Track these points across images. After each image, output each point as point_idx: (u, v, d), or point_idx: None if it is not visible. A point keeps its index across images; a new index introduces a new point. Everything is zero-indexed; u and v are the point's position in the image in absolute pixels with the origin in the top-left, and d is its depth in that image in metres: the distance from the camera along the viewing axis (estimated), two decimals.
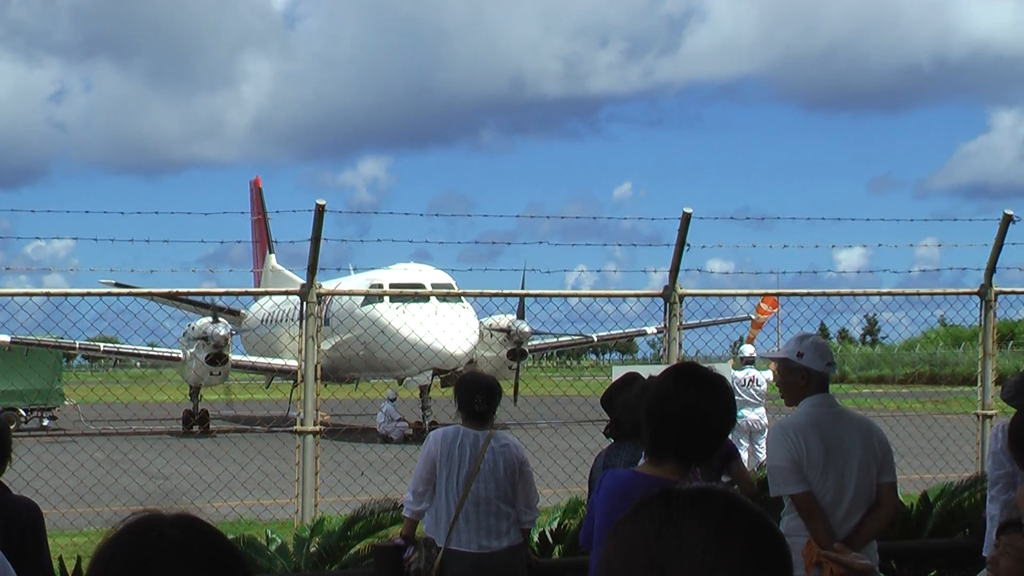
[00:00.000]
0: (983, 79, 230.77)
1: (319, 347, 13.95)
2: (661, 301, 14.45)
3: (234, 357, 39.01)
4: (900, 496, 12.10)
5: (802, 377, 7.37)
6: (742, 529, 2.01)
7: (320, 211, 13.27)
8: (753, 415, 22.70)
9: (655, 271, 14.69)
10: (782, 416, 9.79)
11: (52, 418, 41.80)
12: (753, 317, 29.48)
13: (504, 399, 9.48)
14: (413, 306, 34.46)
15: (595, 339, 42.74)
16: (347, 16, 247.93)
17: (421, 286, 34.55)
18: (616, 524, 2.08)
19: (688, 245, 14.08)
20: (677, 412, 4.93)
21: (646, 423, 5.06)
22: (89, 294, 14.32)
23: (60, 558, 9.81)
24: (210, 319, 37.59)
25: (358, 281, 35.65)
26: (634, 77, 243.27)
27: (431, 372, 35.16)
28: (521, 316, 36.64)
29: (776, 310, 28.05)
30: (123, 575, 2.25)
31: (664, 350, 14.54)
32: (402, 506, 9.28)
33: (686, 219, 14.01)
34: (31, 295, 14.30)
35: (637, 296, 15.30)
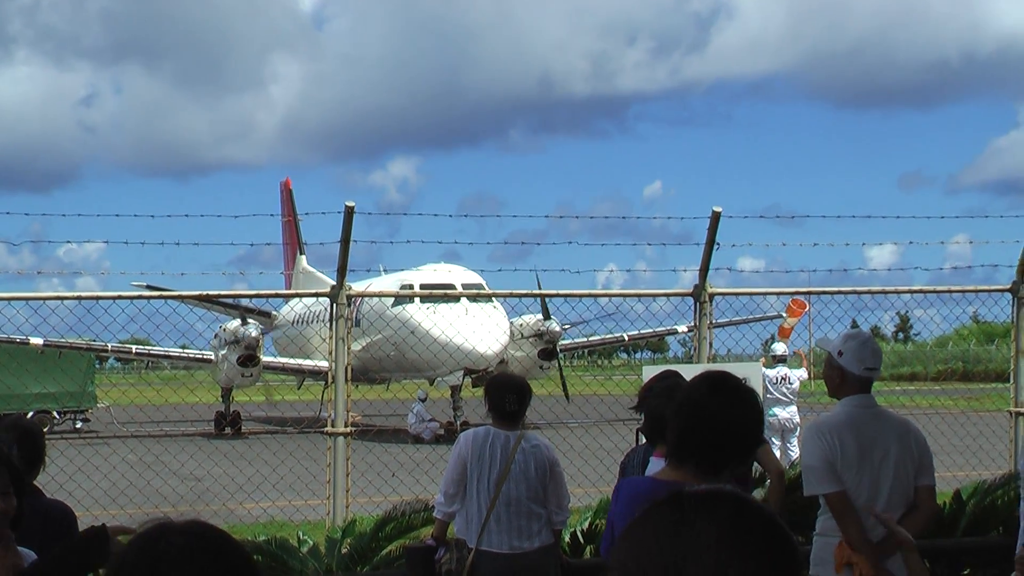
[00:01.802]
0: (1013, 74, 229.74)
1: (349, 348, 13.98)
2: (691, 300, 14.43)
3: (265, 358, 39.12)
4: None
5: (837, 375, 7.33)
6: (753, 528, 2.06)
7: (349, 213, 13.29)
8: (785, 413, 22.65)
9: (685, 270, 14.67)
10: (814, 415, 9.75)
11: (85, 420, 41.98)
12: (783, 316, 29.38)
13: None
14: (443, 306, 34.51)
15: (626, 338, 42.72)
16: (375, 16, 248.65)
17: (451, 286, 34.60)
18: (628, 527, 2.12)
19: (718, 244, 14.06)
20: (705, 420, 4.91)
21: (672, 427, 5.05)
22: (120, 297, 14.37)
23: None
24: (239, 321, 37.69)
25: (388, 282, 35.73)
26: (662, 75, 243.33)
27: (462, 372, 35.19)
28: (547, 316, 36.69)
29: (806, 310, 27.91)
30: None
31: (695, 349, 14.52)
32: (433, 507, 9.29)
33: (715, 218, 13.99)
34: (63, 298, 14.36)
35: (667, 295, 15.27)
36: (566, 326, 37.63)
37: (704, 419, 4.91)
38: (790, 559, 2.06)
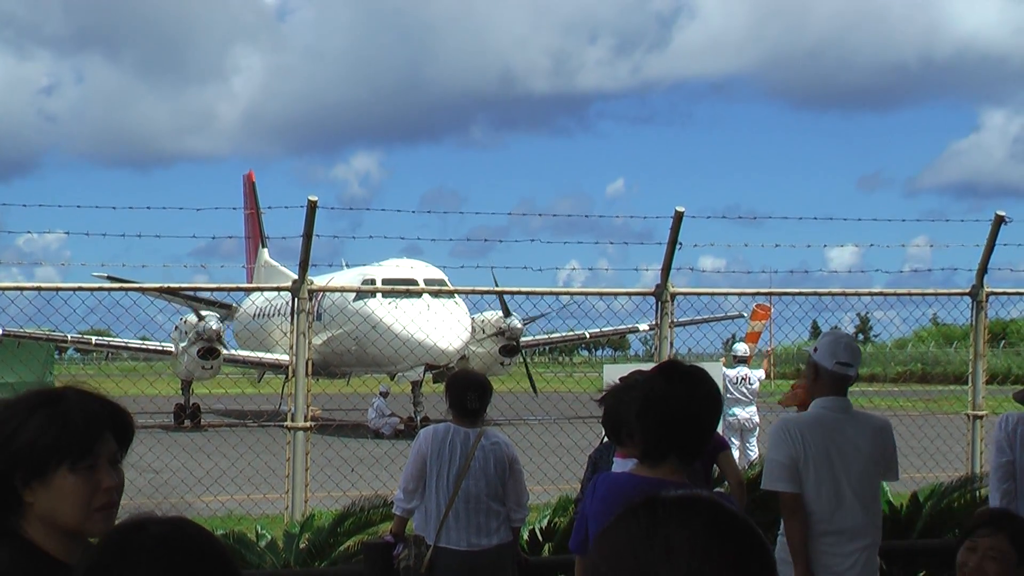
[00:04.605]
0: (969, 78, 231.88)
1: (310, 342, 13.94)
2: (653, 299, 14.45)
3: (226, 351, 38.96)
4: (890, 496, 12.14)
5: (812, 371, 7.36)
6: (727, 534, 2.03)
7: (312, 207, 13.25)
8: (744, 413, 22.71)
9: (647, 269, 14.69)
10: (773, 415, 9.80)
11: None
12: (744, 316, 29.46)
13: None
14: (405, 302, 34.43)
15: (587, 336, 42.78)
16: (337, 10, 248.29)
17: (414, 282, 34.54)
18: (602, 531, 2.09)
19: (680, 244, 14.09)
20: (672, 412, 4.88)
21: (640, 426, 4.99)
22: (81, 288, 14.28)
23: None
24: (208, 314, 37.54)
25: (350, 276, 35.66)
26: (623, 74, 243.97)
27: (423, 368, 35.15)
28: (507, 314, 36.74)
29: (769, 316, 28.01)
30: (98, 567, 2.28)
31: (656, 348, 14.54)
32: (392, 503, 9.28)
33: (678, 218, 14.01)
34: (22, 289, 14.26)
35: (629, 294, 15.30)
36: (527, 320, 37.61)
37: (670, 411, 4.87)
38: (764, 567, 2.04)
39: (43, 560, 3.20)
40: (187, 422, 38.33)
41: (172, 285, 15.33)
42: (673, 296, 14.36)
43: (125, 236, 14.37)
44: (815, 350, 7.34)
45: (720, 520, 2.04)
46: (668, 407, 4.88)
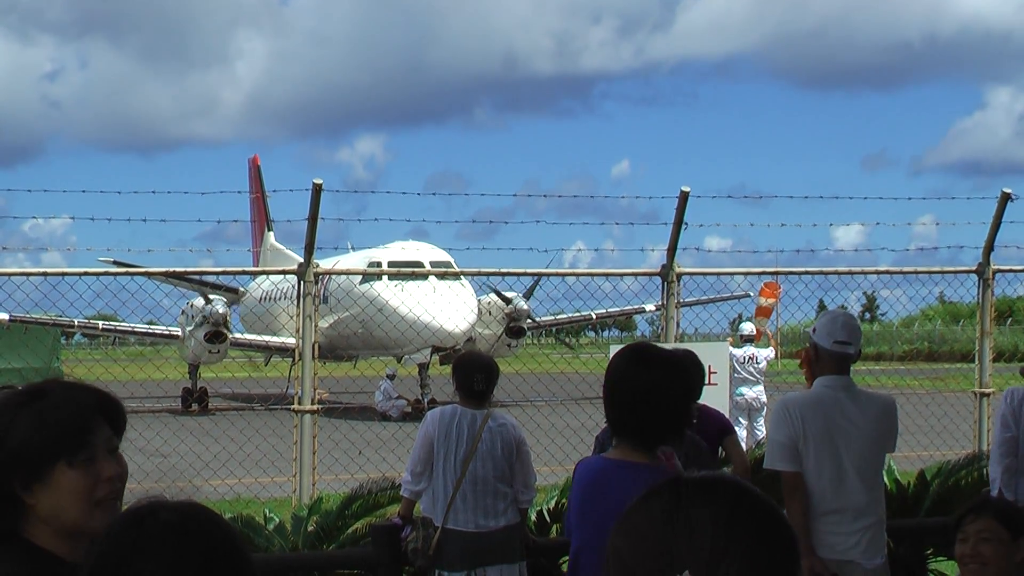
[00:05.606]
0: (974, 55, 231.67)
1: (317, 326, 13.94)
2: (659, 279, 14.44)
3: (232, 335, 38.98)
4: (897, 474, 12.14)
5: (812, 351, 7.40)
6: (750, 516, 2.05)
7: (317, 190, 13.24)
8: (752, 393, 22.68)
9: (653, 249, 14.68)
10: (780, 395, 9.79)
11: None
12: (751, 295, 29.41)
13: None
14: (411, 284, 34.45)
15: (593, 317, 42.72)
16: None
17: (420, 264, 34.59)
18: (625, 512, 2.12)
19: (686, 224, 14.06)
20: (634, 394, 4.86)
21: (607, 406, 5.00)
22: (87, 273, 14.27)
23: None
24: (214, 297, 37.57)
25: (356, 259, 35.66)
26: (627, 55, 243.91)
27: (429, 350, 35.17)
28: (506, 302, 36.74)
29: (778, 294, 27.92)
30: (109, 554, 2.27)
31: (662, 328, 14.53)
32: (400, 486, 9.29)
33: (684, 198, 13.98)
34: (28, 274, 14.26)
35: (635, 275, 15.28)
36: (526, 294, 37.35)
37: (632, 393, 4.87)
38: (786, 547, 2.06)
39: (48, 562, 3.09)
40: (194, 406, 38.37)
41: (178, 269, 15.32)
42: (679, 276, 14.34)
43: (131, 221, 14.40)
44: (814, 330, 7.37)
45: (742, 500, 2.07)
46: (623, 389, 4.89)
